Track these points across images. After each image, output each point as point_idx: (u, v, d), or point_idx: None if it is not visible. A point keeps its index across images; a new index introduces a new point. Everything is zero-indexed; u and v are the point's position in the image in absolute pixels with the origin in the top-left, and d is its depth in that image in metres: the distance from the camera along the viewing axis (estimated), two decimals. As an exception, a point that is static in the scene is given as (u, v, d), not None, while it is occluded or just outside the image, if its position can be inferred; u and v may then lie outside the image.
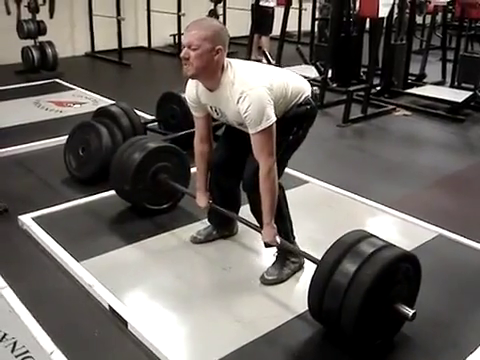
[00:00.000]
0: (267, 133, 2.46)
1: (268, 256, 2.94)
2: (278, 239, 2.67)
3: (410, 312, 2.24)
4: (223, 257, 3.08)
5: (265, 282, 2.80)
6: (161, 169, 3.38)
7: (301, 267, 2.91)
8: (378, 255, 2.21)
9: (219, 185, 3.01)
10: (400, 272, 2.26)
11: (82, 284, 2.76)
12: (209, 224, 3.22)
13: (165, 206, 3.51)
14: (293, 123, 2.70)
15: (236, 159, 2.87)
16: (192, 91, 2.68)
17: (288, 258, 2.85)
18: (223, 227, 3.21)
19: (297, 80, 2.74)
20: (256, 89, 2.41)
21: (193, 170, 3.55)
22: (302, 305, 2.61)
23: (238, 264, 3.00)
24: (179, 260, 3.04)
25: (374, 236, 2.39)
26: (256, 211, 2.73)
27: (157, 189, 3.41)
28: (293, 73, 2.78)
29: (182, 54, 2.43)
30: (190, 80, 2.65)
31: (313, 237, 3.14)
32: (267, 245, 2.82)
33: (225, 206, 3.02)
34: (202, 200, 3.00)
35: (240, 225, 3.22)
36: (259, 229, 2.76)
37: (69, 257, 2.94)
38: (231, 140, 2.91)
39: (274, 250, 2.89)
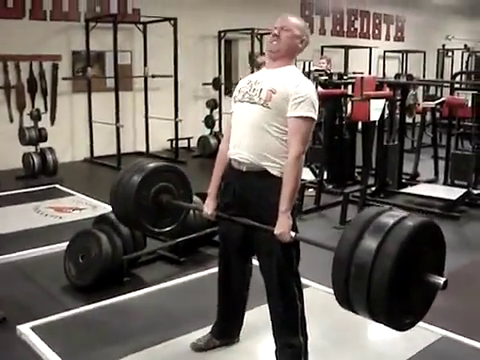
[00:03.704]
0: (307, 123, 2.61)
1: (271, 364, 2.88)
2: (293, 233, 2.56)
3: (441, 280, 2.12)
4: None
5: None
6: (163, 189, 3.17)
7: (304, 376, 2.84)
8: (398, 227, 2.09)
9: (226, 287, 3.03)
10: (424, 241, 2.15)
11: (81, 398, 2.70)
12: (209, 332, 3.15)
13: (169, 229, 3.28)
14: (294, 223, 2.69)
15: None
16: (246, 79, 2.82)
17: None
18: (225, 337, 3.15)
19: None
20: (313, 91, 2.65)
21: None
22: None
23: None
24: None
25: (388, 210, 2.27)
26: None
27: (160, 210, 3.17)
28: None
29: (275, 32, 2.67)
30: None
31: (317, 343, 3.05)
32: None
33: (232, 315, 3.08)
34: (210, 207, 2.89)
35: (242, 334, 3.18)
36: (271, 228, 2.56)
37: (68, 369, 2.89)
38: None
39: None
